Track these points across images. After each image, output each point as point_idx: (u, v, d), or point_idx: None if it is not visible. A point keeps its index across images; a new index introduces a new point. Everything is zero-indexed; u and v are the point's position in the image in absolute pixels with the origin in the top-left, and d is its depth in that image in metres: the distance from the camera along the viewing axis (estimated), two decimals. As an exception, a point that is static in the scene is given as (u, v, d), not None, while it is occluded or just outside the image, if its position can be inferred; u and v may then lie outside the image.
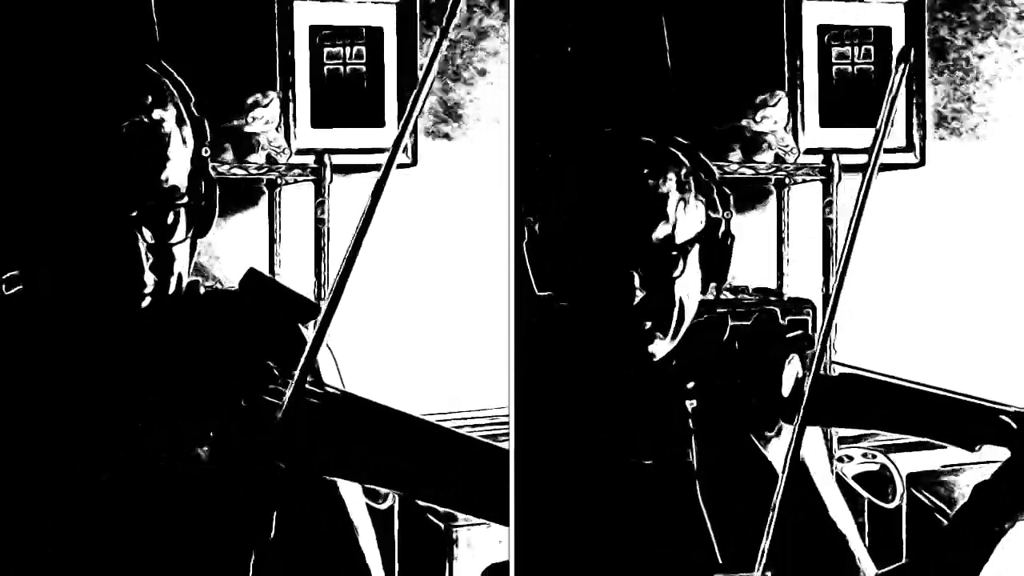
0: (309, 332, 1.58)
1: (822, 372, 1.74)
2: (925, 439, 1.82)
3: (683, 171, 1.79)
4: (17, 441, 1.53)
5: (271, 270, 3.04)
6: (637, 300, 1.74)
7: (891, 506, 3.02)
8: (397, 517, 2.88)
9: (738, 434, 1.78)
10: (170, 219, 1.54)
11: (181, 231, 1.55)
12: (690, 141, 1.82)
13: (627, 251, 1.74)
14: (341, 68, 3.14)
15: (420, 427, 1.62)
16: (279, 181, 3.07)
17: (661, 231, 1.76)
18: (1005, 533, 1.72)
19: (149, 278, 1.52)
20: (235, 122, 3.00)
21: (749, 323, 1.83)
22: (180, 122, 1.56)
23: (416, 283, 3.11)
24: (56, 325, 1.55)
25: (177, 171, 1.54)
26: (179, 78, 1.58)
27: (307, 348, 1.53)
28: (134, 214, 1.50)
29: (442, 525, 2.92)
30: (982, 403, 1.78)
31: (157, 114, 1.53)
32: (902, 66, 1.69)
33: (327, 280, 3.08)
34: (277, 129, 3.06)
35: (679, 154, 1.79)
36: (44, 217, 1.50)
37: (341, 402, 1.59)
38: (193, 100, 1.59)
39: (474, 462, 1.60)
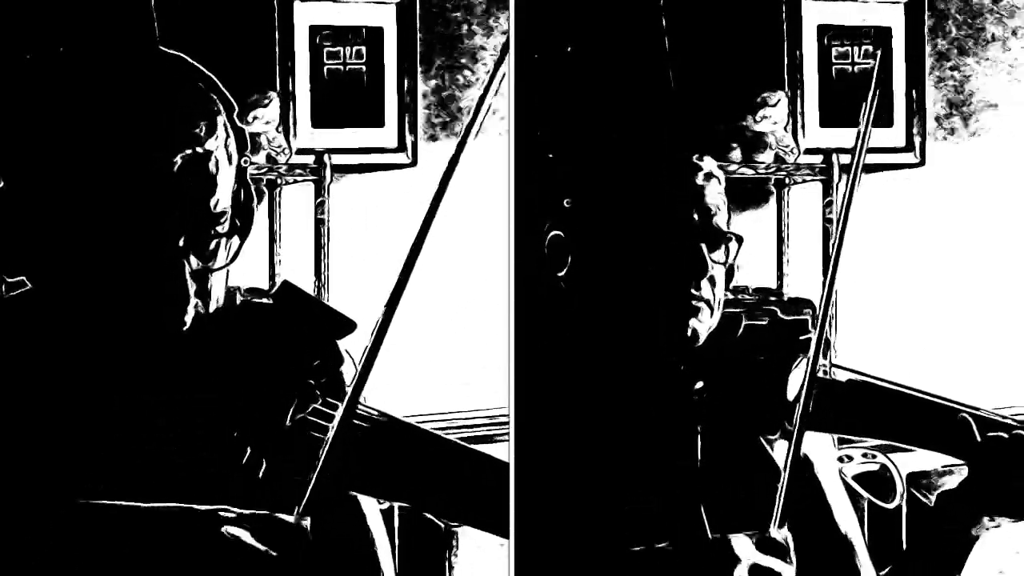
0: (344, 347, 1.57)
1: (826, 376, 1.73)
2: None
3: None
4: (21, 449, 1.51)
5: (271, 270, 3.04)
6: (709, 273, 1.74)
7: (891, 506, 3.01)
8: (397, 517, 2.88)
9: (745, 436, 1.77)
10: (212, 244, 1.53)
11: (222, 257, 1.54)
12: (690, 141, 1.82)
13: (697, 228, 1.73)
14: (341, 68, 3.14)
15: (455, 451, 1.61)
16: (279, 181, 3.06)
17: (715, 213, 1.76)
18: (976, 540, 1.70)
19: (192, 305, 1.51)
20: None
21: (764, 323, 1.81)
22: (226, 140, 1.55)
23: (416, 283, 3.11)
24: (82, 342, 1.53)
25: (224, 194, 1.54)
26: (223, 88, 1.56)
27: (356, 374, 1.51)
28: (181, 243, 1.50)
29: (442, 525, 2.91)
30: (994, 416, 1.74)
31: (209, 144, 1.52)
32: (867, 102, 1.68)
33: (327, 280, 3.08)
34: (277, 129, 3.06)
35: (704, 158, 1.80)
36: (88, 242, 1.48)
37: (385, 428, 1.58)
38: (236, 111, 1.58)
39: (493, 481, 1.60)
